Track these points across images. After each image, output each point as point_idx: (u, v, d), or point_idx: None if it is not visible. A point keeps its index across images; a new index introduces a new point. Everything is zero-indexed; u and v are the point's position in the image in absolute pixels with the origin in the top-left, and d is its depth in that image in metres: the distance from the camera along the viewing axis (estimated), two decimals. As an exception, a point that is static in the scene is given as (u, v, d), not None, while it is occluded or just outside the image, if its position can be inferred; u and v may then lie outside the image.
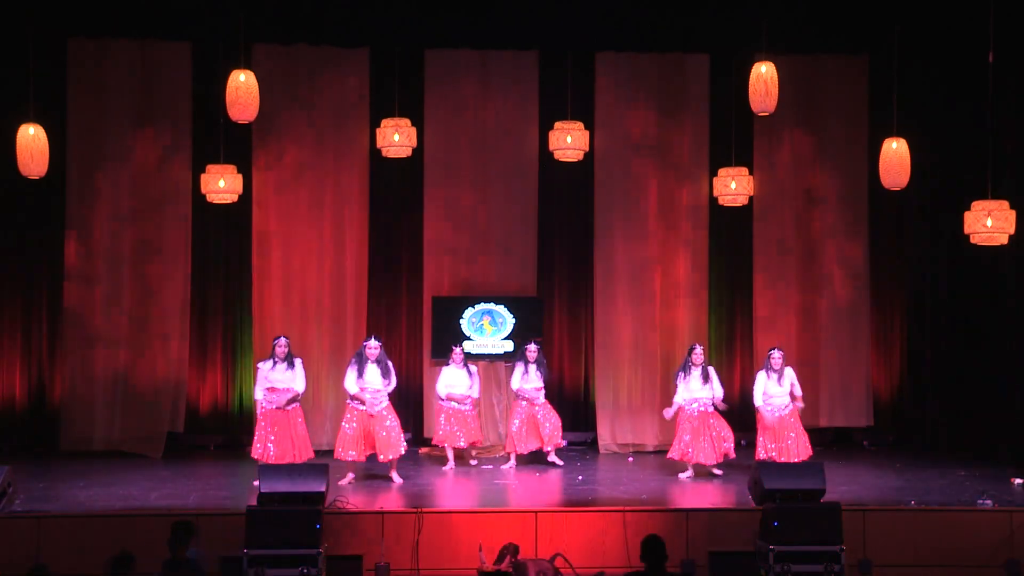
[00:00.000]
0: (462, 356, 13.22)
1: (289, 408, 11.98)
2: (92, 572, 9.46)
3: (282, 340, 12.08)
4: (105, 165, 14.11)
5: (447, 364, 13.24)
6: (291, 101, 14.38)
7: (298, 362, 12.07)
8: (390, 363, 12.32)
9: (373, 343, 12.24)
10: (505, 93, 14.62)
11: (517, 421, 13.05)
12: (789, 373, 12.43)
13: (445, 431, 13.03)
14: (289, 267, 14.45)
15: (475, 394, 13.21)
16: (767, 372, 12.42)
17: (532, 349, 13.10)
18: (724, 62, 14.53)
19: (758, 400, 12.43)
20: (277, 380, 11.93)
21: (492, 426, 14.40)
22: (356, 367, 12.13)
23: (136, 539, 9.68)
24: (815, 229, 14.93)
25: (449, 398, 13.03)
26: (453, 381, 13.08)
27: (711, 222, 14.84)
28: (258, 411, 12.08)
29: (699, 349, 12.66)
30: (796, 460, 12.02)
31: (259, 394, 12.02)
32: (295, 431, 12.00)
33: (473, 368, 13.29)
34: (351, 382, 12.12)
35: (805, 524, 9.25)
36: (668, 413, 12.66)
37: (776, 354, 12.45)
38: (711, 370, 12.61)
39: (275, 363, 11.97)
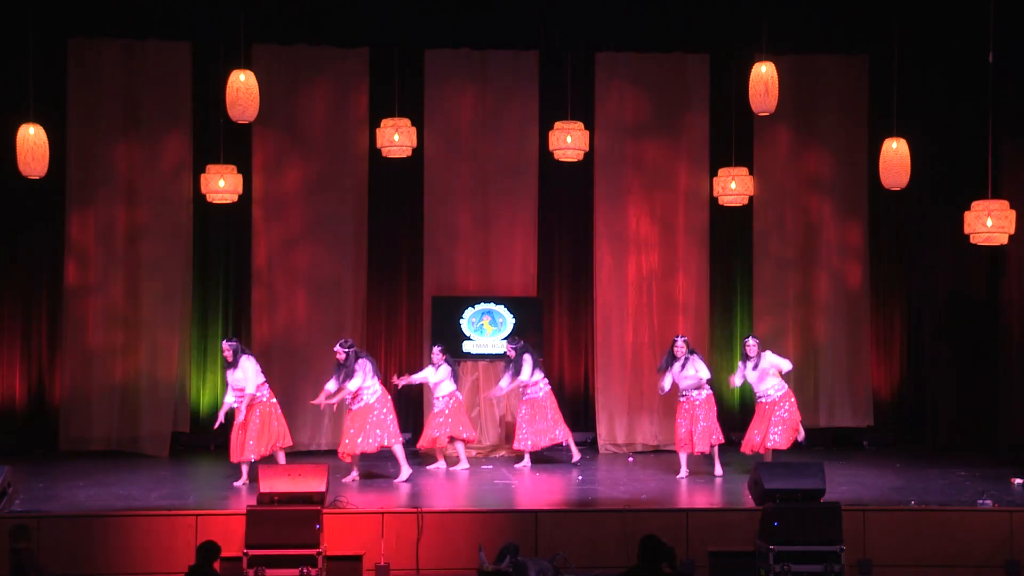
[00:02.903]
0: (441, 357, 13.10)
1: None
2: (92, 572, 9.48)
3: (226, 344, 12.12)
4: (105, 165, 14.11)
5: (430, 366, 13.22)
6: (291, 101, 14.38)
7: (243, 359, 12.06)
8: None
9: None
10: (505, 93, 14.62)
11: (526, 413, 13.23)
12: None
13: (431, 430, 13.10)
14: (289, 267, 14.45)
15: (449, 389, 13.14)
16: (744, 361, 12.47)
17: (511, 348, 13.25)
18: (724, 62, 14.55)
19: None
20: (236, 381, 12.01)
21: (492, 426, 14.40)
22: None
23: (135, 539, 9.72)
24: (815, 229, 14.92)
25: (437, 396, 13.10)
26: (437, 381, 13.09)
27: (711, 222, 14.84)
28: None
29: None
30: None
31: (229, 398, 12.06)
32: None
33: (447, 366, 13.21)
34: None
35: (805, 524, 9.25)
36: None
37: (751, 341, 12.48)
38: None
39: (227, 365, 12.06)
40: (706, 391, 12.52)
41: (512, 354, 13.20)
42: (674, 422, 12.68)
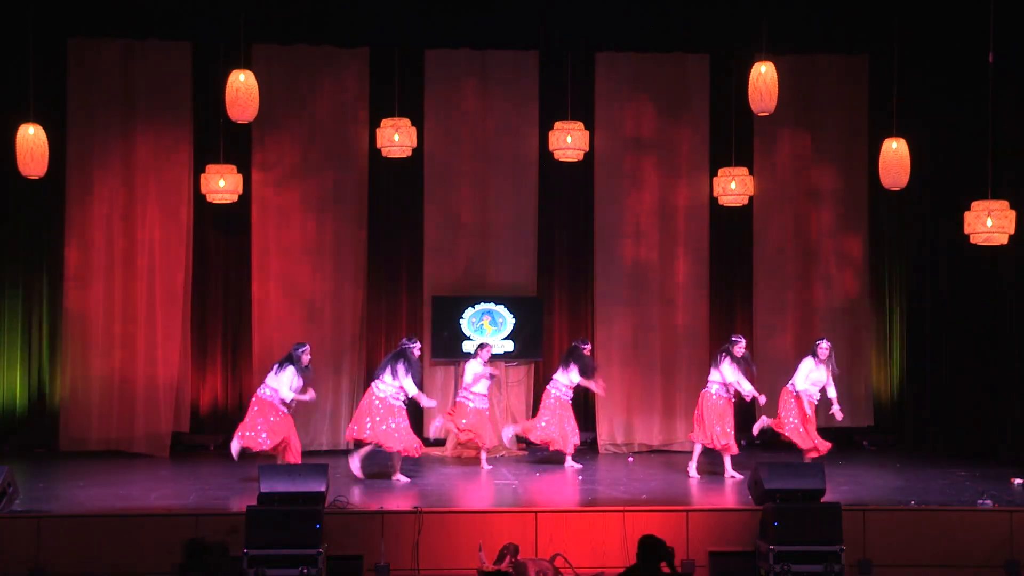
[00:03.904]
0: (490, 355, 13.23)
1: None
2: (92, 572, 9.48)
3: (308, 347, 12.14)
4: (105, 165, 14.11)
5: (475, 358, 13.18)
6: (291, 101, 14.38)
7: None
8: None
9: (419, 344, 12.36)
10: (505, 93, 14.62)
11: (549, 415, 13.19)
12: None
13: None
14: (289, 267, 14.45)
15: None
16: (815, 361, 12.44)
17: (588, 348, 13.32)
18: (724, 62, 14.55)
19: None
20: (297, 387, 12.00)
21: (492, 426, 14.39)
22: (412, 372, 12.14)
23: (136, 539, 9.72)
24: (815, 229, 14.93)
25: (477, 394, 13.13)
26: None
27: (711, 222, 14.85)
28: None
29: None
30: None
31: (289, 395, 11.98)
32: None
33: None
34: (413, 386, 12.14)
35: (805, 524, 9.25)
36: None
37: (824, 344, 12.45)
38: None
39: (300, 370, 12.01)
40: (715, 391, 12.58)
41: (589, 350, 13.31)
42: (713, 422, 12.48)
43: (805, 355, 12.64)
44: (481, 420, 13.07)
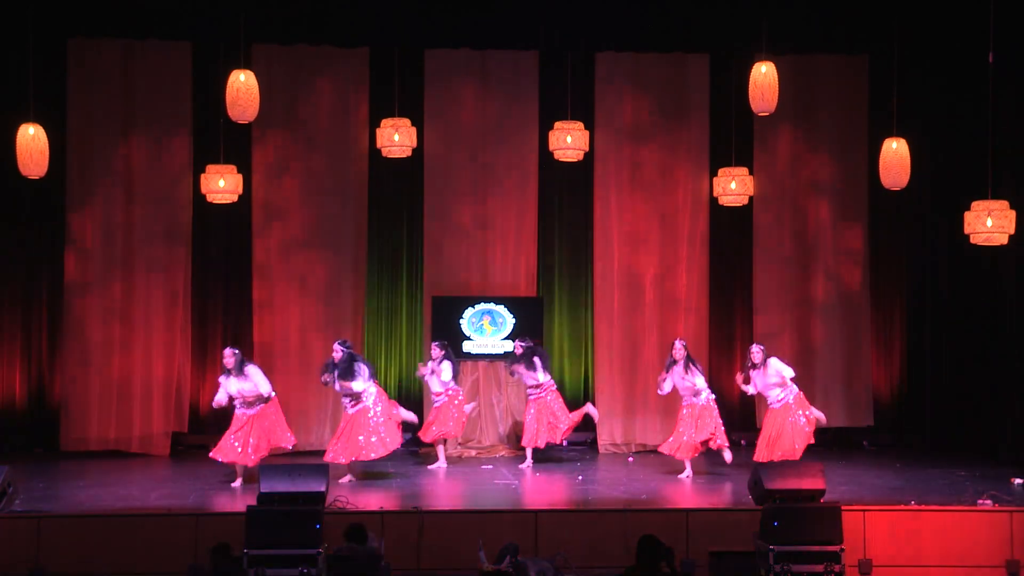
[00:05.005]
0: (440, 354, 13.09)
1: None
2: (92, 572, 9.48)
3: (229, 352, 12.03)
4: (105, 165, 14.11)
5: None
6: (291, 101, 14.38)
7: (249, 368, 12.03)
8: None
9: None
10: (505, 93, 14.62)
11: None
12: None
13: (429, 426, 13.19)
14: (289, 267, 14.45)
15: (436, 388, 13.11)
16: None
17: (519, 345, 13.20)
18: (724, 62, 14.55)
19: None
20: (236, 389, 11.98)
21: (492, 426, 14.42)
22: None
23: (135, 539, 9.72)
24: (815, 229, 14.93)
25: (434, 393, 13.13)
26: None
27: (711, 222, 14.85)
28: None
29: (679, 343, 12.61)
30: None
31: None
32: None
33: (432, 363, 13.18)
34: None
35: (805, 524, 9.24)
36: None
37: (755, 348, 12.41)
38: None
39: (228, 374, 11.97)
40: (705, 396, 12.48)
41: (519, 351, 13.18)
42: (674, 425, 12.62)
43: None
44: (437, 418, 13.03)
